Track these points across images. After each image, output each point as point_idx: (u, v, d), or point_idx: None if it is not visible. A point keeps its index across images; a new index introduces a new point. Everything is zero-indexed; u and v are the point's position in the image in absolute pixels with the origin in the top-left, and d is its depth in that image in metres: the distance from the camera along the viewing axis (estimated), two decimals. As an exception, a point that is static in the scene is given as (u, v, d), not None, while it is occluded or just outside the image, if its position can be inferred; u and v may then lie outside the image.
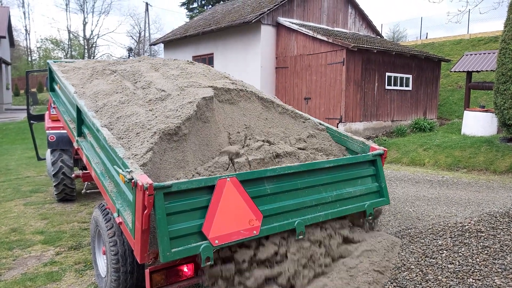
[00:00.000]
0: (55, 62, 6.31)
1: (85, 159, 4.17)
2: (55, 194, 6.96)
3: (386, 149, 4.09)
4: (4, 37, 26.69)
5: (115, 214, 3.16)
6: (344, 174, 3.75)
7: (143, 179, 2.58)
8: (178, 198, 2.75)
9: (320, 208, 3.47)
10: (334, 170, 3.66)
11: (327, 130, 4.60)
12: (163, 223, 2.62)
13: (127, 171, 2.73)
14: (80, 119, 4.33)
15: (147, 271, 2.82)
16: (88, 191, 6.46)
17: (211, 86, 4.16)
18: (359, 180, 3.87)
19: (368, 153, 4.00)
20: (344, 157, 4.03)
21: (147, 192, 2.52)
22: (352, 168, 3.84)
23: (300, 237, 3.29)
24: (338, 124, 13.34)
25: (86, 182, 6.49)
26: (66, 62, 6.41)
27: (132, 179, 2.63)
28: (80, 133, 4.40)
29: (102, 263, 3.84)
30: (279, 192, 3.26)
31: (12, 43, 32.94)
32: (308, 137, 4.29)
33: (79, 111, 4.26)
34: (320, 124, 4.60)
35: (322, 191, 3.54)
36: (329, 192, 3.59)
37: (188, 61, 5.72)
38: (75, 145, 4.58)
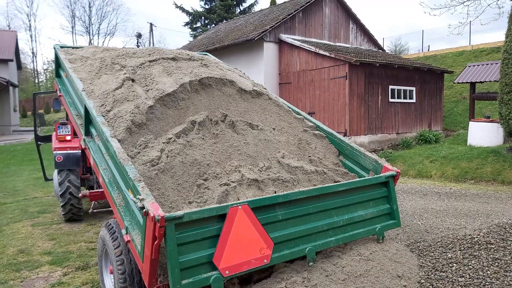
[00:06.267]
0: (62, 47, 6.07)
1: (92, 161, 4.02)
2: (62, 214, 6.97)
3: (399, 170, 4.02)
4: (12, 60, 27.23)
5: (123, 231, 3.13)
6: (356, 197, 3.68)
7: (154, 210, 2.51)
8: (189, 228, 2.70)
9: (331, 233, 3.42)
10: (346, 193, 3.61)
11: (340, 142, 4.55)
12: (173, 255, 2.56)
13: (138, 199, 2.67)
14: (88, 119, 4.16)
15: (154, 289, 2.81)
16: (95, 210, 6.46)
17: (254, 180, 3.66)
18: (370, 203, 3.80)
19: (381, 175, 3.93)
20: (357, 179, 3.91)
21: (158, 224, 2.47)
22: (364, 190, 3.77)
23: (311, 263, 3.23)
24: (343, 138, 13.33)
25: (92, 202, 6.50)
26: (73, 48, 6.17)
27: (144, 208, 2.57)
28: (88, 132, 4.24)
29: (110, 283, 3.81)
30: (290, 218, 3.20)
31: (19, 65, 33.58)
32: None
33: (87, 111, 4.09)
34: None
35: (333, 215, 3.48)
36: (341, 216, 3.53)
37: (201, 62, 5.30)
38: (81, 143, 4.40)
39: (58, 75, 5.94)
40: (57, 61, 5.81)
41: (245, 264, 2.84)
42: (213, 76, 4.71)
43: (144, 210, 2.56)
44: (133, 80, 4.62)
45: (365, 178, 3.94)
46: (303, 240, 3.24)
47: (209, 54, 6.86)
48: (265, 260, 2.94)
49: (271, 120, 4.74)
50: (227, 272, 2.74)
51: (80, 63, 5.41)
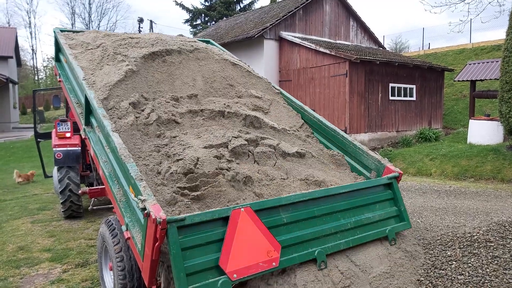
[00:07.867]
0: (62, 31, 5.93)
1: (92, 152, 3.95)
2: (62, 211, 6.97)
3: (401, 172, 4.00)
4: (11, 57, 27.18)
5: (123, 228, 3.11)
6: (360, 199, 3.69)
7: (156, 212, 2.47)
8: (193, 231, 2.66)
9: (340, 236, 3.40)
10: (349, 195, 3.61)
11: (343, 139, 4.53)
12: (178, 259, 2.52)
13: (139, 199, 2.64)
14: (89, 109, 4.06)
15: (154, 287, 2.81)
16: (94, 207, 6.47)
17: None
18: (377, 205, 3.79)
19: (382, 177, 3.93)
20: (358, 182, 3.91)
21: (160, 226, 2.44)
22: (367, 192, 3.77)
23: (322, 267, 3.19)
24: (343, 135, 13.33)
25: (92, 199, 6.50)
26: (73, 33, 6.03)
27: (145, 209, 2.53)
28: (88, 122, 4.16)
29: (109, 279, 3.82)
30: (296, 221, 3.19)
31: (19, 62, 33.49)
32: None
33: (87, 101, 3.99)
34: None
35: (340, 217, 3.48)
36: (348, 218, 3.52)
37: (224, 104, 4.54)
38: (82, 133, 4.29)
39: (57, 59, 5.83)
40: (57, 46, 5.68)
41: (253, 268, 2.79)
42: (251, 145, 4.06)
43: (145, 211, 2.53)
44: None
45: (367, 180, 3.94)
46: (312, 243, 3.21)
47: (213, 41, 6.70)
48: (274, 263, 2.90)
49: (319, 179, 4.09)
50: (235, 275, 2.69)
51: (81, 50, 5.28)
